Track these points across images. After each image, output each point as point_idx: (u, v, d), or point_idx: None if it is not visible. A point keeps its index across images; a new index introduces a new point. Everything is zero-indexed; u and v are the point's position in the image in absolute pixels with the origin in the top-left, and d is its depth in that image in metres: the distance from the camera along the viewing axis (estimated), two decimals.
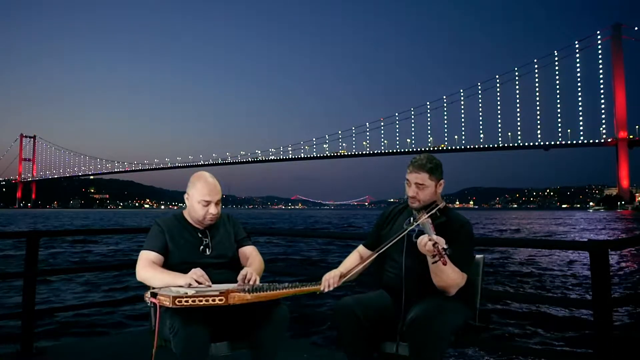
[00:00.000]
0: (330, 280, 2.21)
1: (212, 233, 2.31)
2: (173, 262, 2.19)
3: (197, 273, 2.05)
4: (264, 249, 17.92)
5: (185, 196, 2.31)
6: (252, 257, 2.34)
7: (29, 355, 3.17)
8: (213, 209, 2.25)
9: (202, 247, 2.25)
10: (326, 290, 2.19)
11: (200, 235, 2.28)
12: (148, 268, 2.13)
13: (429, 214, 2.12)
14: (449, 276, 2.05)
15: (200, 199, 2.24)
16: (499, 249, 16.58)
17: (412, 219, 2.18)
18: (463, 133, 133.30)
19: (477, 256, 2.31)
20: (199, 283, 2.02)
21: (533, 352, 3.21)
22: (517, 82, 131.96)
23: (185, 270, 2.09)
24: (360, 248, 2.41)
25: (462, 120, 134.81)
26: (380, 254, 2.30)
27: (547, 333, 6.25)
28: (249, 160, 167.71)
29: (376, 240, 2.34)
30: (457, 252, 2.07)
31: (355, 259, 2.36)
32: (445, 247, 1.93)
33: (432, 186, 2.20)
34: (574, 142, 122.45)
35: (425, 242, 1.96)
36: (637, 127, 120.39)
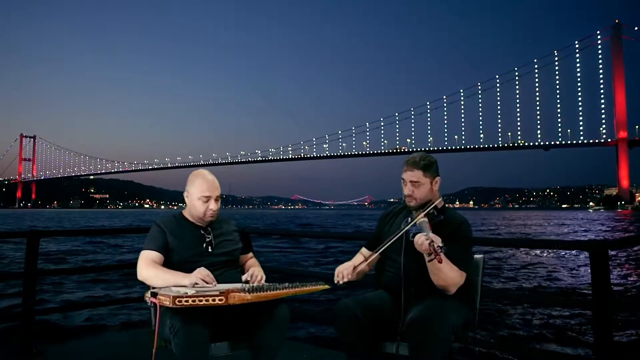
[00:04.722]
0: (344, 272, 2.19)
1: (214, 231, 2.31)
2: (176, 261, 2.18)
3: (202, 273, 2.04)
4: (262, 250, 17.92)
5: (185, 194, 2.31)
6: (251, 261, 2.43)
7: (29, 355, 3.16)
8: (213, 205, 2.26)
9: (204, 244, 2.25)
10: (340, 282, 2.17)
11: (202, 233, 2.28)
12: (150, 267, 2.12)
13: (425, 213, 2.13)
14: (446, 275, 2.05)
15: (200, 195, 2.24)
16: (499, 249, 16.57)
17: (409, 218, 2.19)
18: (463, 133, 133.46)
19: (477, 256, 2.31)
20: (206, 282, 2.02)
21: (533, 352, 3.21)
22: (517, 82, 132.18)
23: (189, 269, 2.09)
24: (363, 250, 2.42)
25: (462, 120, 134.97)
26: (379, 254, 2.30)
27: (547, 333, 6.25)
28: (249, 160, 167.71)
29: (377, 241, 2.33)
30: (455, 250, 2.07)
31: (359, 260, 2.36)
32: (440, 245, 1.94)
33: (428, 183, 2.21)
34: (574, 142, 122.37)
35: (422, 241, 1.97)
36: (637, 127, 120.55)
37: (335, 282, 2.17)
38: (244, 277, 2.20)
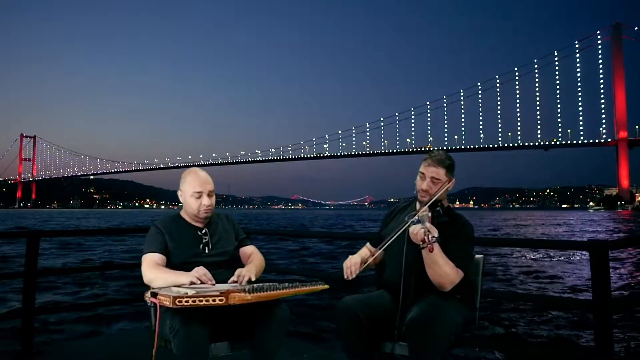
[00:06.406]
0: (352, 267, 2.18)
1: (211, 231, 2.31)
2: (174, 262, 2.19)
3: (199, 271, 2.05)
4: (263, 249, 17.89)
5: (179, 193, 2.32)
6: (252, 256, 2.35)
7: (29, 354, 3.17)
8: (206, 200, 2.25)
9: (201, 245, 2.25)
10: (350, 278, 2.16)
11: (199, 234, 2.28)
12: (153, 269, 2.12)
13: (427, 205, 2.16)
14: (442, 269, 2.05)
15: (192, 191, 2.25)
16: (499, 249, 16.57)
17: (413, 213, 2.19)
18: (463, 133, 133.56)
19: (477, 256, 2.31)
20: (202, 281, 2.03)
21: (533, 352, 3.21)
22: (517, 82, 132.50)
23: (186, 270, 2.09)
24: (368, 245, 2.43)
25: (462, 120, 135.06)
26: (383, 252, 2.31)
27: (547, 333, 6.25)
28: (249, 160, 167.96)
29: (381, 239, 2.34)
30: (455, 249, 2.08)
31: (366, 254, 2.36)
32: (435, 235, 1.95)
33: (446, 183, 2.23)
34: (574, 142, 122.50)
35: (417, 230, 1.99)
36: (637, 127, 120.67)
37: (345, 277, 2.15)
38: (230, 279, 2.11)
